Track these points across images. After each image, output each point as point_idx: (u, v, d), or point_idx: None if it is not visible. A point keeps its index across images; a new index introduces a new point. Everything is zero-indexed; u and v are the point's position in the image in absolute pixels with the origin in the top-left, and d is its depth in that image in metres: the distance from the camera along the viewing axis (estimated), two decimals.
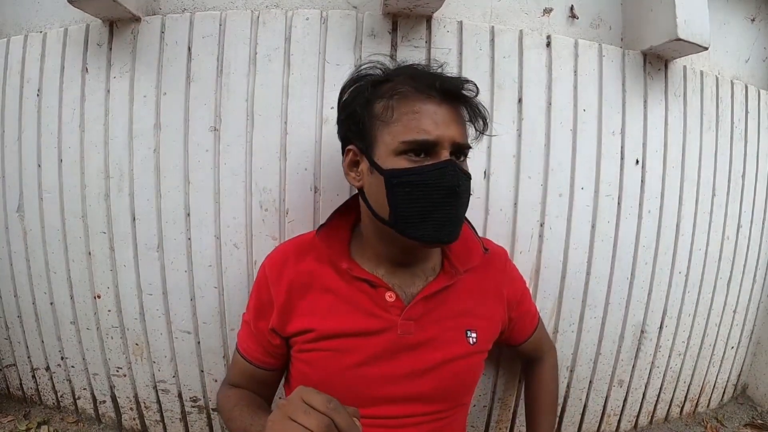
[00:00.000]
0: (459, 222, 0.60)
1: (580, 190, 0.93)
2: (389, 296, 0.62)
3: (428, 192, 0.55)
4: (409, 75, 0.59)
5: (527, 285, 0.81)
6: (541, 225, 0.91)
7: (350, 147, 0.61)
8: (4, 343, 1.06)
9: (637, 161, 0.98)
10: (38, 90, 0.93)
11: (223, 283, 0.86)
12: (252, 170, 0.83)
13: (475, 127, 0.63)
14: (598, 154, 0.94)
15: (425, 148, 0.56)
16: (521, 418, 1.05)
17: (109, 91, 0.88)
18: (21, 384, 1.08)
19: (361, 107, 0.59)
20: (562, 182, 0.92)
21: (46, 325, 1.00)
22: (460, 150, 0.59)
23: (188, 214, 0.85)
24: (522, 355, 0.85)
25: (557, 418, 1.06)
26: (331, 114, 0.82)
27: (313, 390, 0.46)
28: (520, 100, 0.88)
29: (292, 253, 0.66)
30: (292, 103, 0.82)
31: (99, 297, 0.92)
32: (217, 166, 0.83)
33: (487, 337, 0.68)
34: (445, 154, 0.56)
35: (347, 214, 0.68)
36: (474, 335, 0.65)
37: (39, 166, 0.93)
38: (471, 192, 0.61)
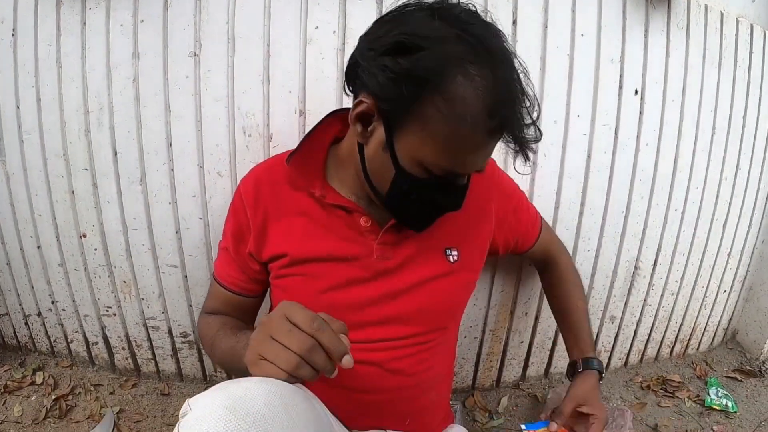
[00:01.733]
0: (435, 220, 0.58)
1: (576, 117, 0.89)
2: (364, 221, 0.59)
3: (425, 202, 0.53)
4: (482, 77, 0.43)
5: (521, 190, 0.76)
6: (535, 152, 0.88)
7: (366, 99, 0.48)
8: None
9: (636, 91, 0.94)
10: (13, 30, 0.88)
11: (207, 214, 0.83)
12: (234, 95, 0.78)
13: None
14: (595, 81, 0.89)
15: (451, 176, 0.51)
16: (512, 350, 1.04)
17: (85, 23, 0.83)
18: (15, 333, 1.07)
19: (410, 78, 0.44)
20: (558, 109, 0.88)
21: (34, 270, 0.97)
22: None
23: (170, 144, 0.81)
24: (534, 261, 0.83)
25: (548, 353, 1.06)
26: (315, 34, 0.77)
27: (297, 305, 0.43)
28: (514, 22, 0.83)
29: (265, 176, 0.62)
30: (275, 24, 0.77)
31: (85, 236, 0.90)
32: (198, 93, 0.79)
33: (472, 255, 0.64)
34: (462, 180, 0.54)
35: (323, 132, 0.62)
36: (455, 253, 0.62)
37: (17, 107, 0.89)
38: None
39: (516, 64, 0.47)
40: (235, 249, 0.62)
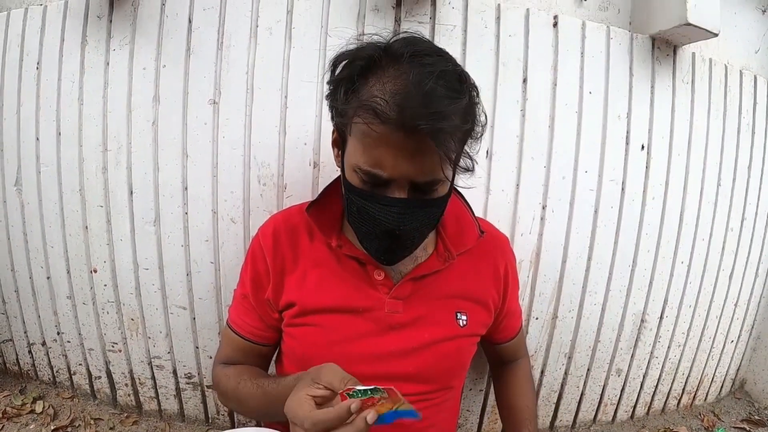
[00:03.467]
0: (402, 253, 0.56)
1: (583, 173, 0.90)
2: (378, 274, 0.59)
3: (371, 222, 0.52)
4: (391, 77, 0.47)
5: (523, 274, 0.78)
6: (543, 208, 0.88)
7: (334, 127, 0.56)
8: (1, 318, 1.04)
9: (643, 146, 0.95)
10: (38, 63, 0.90)
11: (219, 259, 0.83)
12: (251, 144, 0.80)
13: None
14: (603, 137, 0.91)
15: (378, 183, 0.49)
16: None
17: (108, 63, 0.85)
18: (17, 359, 1.06)
19: (342, 95, 0.50)
20: (566, 165, 0.89)
21: (42, 299, 0.98)
22: (426, 186, 0.50)
23: (185, 188, 0.82)
24: (499, 356, 0.77)
25: (554, 407, 1.04)
26: None
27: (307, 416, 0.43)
28: (525, 80, 0.85)
29: (283, 225, 0.63)
30: (293, 77, 0.79)
31: (95, 271, 0.90)
32: (215, 140, 0.81)
33: (479, 320, 0.64)
34: (399, 192, 0.49)
35: (340, 187, 0.64)
36: (464, 317, 0.62)
37: (37, 139, 0.91)
38: (441, 212, 0.55)
39: (446, 71, 0.47)
40: (255, 296, 0.62)
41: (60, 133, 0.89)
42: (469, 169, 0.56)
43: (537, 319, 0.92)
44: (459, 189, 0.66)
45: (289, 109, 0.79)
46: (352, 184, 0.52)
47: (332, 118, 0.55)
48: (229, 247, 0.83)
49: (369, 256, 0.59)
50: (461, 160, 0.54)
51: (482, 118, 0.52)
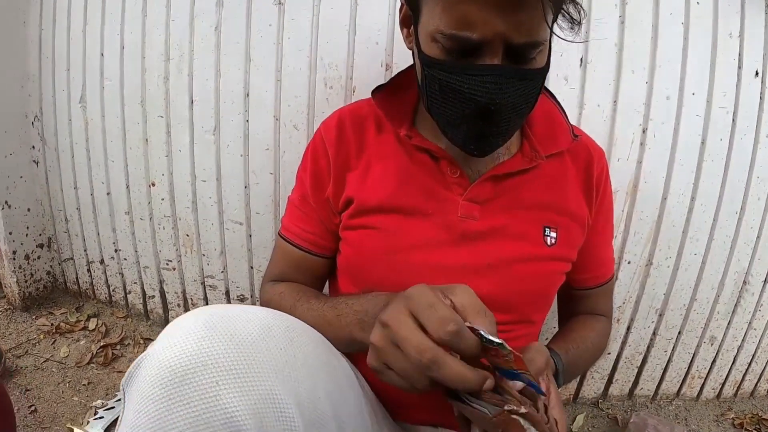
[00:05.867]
0: (495, 140, 0.44)
1: (690, 95, 0.75)
2: (452, 171, 0.48)
3: (458, 100, 0.41)
4: None
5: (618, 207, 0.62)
6: (644, 131, 0.74)
7: (403, 2, 0.46)
8: (63, 237, 1.03)
9: (757, 73, 0.78)
10: None
11: (279, 169, 0.76)
12: (318, 45, 0.72)
13: (563, 15, 0.42)
14: (712, 56, 0.75)
15: (465, 49, 0.39)
16: (597, 363, 0.86)
17: None
18: (77, 278, 1.06)
19: None
20: (671, 83, 0.74)
21: (102, 216, 0.96)
22: (523, 50, 0.40)
23: (247, 94, 0.76)
24: (575, 308, 0.60)
25: (636, 371, 0.89)
26: None
27: (425, 292, 0.31)
28: None
29: (349, 116, 0.53)
30: None
31: (153, 185, 0.86)
32: (280, 42, 0.73)
33: (571, 240, 0.51)
34: (491, 57, 0.39)
35: (413, 76, 0.52)
36: (554, 235, 0.49)
37: (102, 54, 0.88)
38: (538, 91, 0.43)
39: None
40: (315, 195, 0.52)
41: (123, 47, 0.85)
42: (576, 21, 0.42)
43: (629, 263, 0.78)
44: (552, 92, 0.54)
45: (360, 6, 0.70)
46: (433, 57, 0.41)
47: None
48: (291, 156, 0.75)
49: (443, 150, 0.48)
50: (566, 7, 0.41)
51: None
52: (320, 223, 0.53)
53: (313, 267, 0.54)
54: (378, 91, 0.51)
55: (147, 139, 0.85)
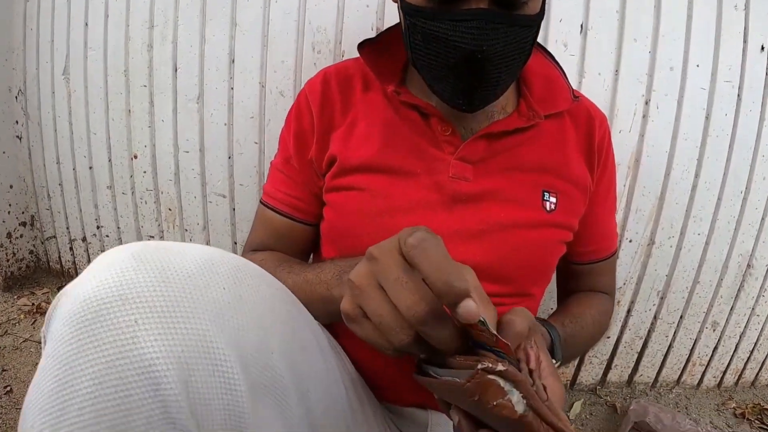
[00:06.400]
0: (485, 93, 0.40)
1: (694, 67, 0.71)
2: (443, 128, 0.44)
3: (442, 49, 0.38)
4: None
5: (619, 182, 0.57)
6: (647, 103, 0.71)
7: None
8: (46, 214, 1.00)
9: (762, 47, 0.74)
10: None
11: (264, 138, 0.73)
12: (306, 8, 0.68)
13: None
14: (717, 27, 0.71)
15: None
16: (595, 347, 0.83)
17: None
18: (59, 257, 1.02)
19: None
20: (675, 53, 0.70)
21: (84, 191, 0.92)
22: None
23: (233, 61, 0.72)
24: (575, 284, 0.56)
25: (636, 356, 0.85)
26: None
27: (425, 233, 0.24)
28: None
29: (335, 74, 0.49)
30: None
31: (136, 157, 0.83)
32: (267, 6, 0.70)
33: (571, 207, 0.47)
34: (477, 1, 0.36)
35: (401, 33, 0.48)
36: (553, 200, 0.46)
37: (86, 24, 0.85)
38: (531, 41, 0.40)
39: None
40: (298, 156, 0.48)
41: (108, 15, 0.82)
42: None
43: (631, 242, 0.75)
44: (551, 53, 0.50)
45: None
46: (414, 4, 0.38)
47: None
48: (276, 124, 0.71)
49: (433, 106, 0.45)
50: None
51: None
52: (304, 187, 0.49)
53: (296, 235, 0.50)
54: (364, 46, 0.48)
55: (130, 110, 0.81)
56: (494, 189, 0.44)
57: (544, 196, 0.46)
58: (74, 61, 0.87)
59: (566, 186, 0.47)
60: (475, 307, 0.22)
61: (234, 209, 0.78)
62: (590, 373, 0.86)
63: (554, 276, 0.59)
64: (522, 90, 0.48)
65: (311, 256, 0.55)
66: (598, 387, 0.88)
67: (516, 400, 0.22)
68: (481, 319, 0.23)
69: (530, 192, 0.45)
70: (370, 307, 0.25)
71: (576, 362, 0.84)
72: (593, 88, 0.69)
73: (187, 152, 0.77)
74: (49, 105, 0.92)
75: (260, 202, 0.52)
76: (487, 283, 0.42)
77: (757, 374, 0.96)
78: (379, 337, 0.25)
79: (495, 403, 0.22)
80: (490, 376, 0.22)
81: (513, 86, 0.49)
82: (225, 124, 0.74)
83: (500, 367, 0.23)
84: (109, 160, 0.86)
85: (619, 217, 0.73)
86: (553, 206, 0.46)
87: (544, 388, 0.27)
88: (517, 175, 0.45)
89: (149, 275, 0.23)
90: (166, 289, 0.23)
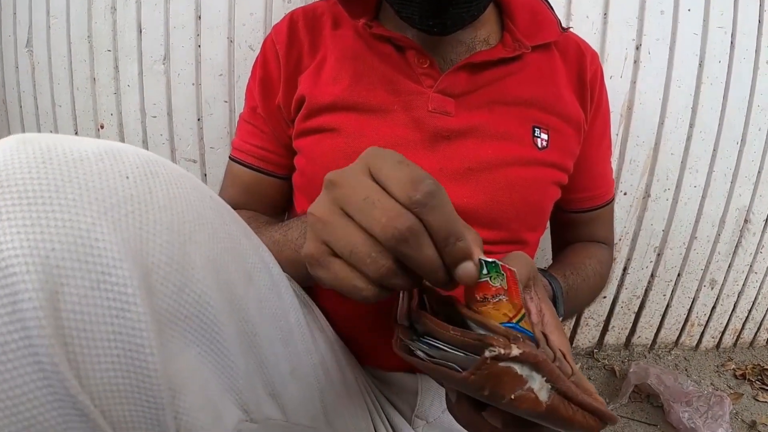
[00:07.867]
0: (457, 10, 0.36)
1: (686, 11, 0.67)
2: (421, 61, 0.40)
3: None
4: None
5: (612, 131, 0.52)
6: (638, 48, 0.66)
7: None
8: None
9: None
10: None
11: (234, 96, 0.67)
12: None
13: None
14: None
15: None
16: (591, 307, 0.79)
17: None
18: None
19: None
20: None
21: None
22: None
23: (199, 17, 0.66)
24: (571, 234, 0.51)
25: (634, 317, 0.81)
26: None
27: (389, 153, 0.21)
28: None
29: (302, 15, 0.45)
30: None
31: (102, 127, 0.76)
32: None
33: (564, 145, 0.42)
34: None
35: None
36: (545, 137, 0.41)
37: None
38: None
39: None
40: (264, 103, 0.44)
41: None
42: None
43: (625, 194, 0.71)
44: None
45: None
46: None
47: None
48: (246, 80, 0.66)
49: (409, 39, 0.40)
50: None
51: None
52: (272, 137, 0.45)
53: (267, 190, 0.46)
54: None
55: (95, 78, 0.75)
56: (479, 124, 0.40)
57: (534, 131, 0.41)
58: (37, 32, 0.80)
59: (558, 122, 0.42)
60: (474, 269, 0.20)
61: (205, 174, 0.72)
62: (587, 335, 0.82)
63: (547, 230, 0.54)
64: (506, 23, 0.44)
65: (286, 216, 0.50)
66: (595, 350, 0.84)
67: (538, 387, 0.17)
68: (490, 260, 0.20)
69: (519, 127, 0.41)
70: (338, 237, 0.20)
71: (572, 324, 0.80)
72: (581, 32, 0.63)
73: (155, 117, 0.71)
74: (14, 80, 0.85)
75: (229, 158, 0.47)
76: (478, 228, 0.35)
77: (755, 335, 0.93)
78: (352, 275, 0.20)
79: (513, 397, 0.17)
80: (503, 364, 0.17)
81: (496, 19, 0.44)
82: (192, 84, 0.68)
83: (515, 350, 0.17)
84: (76, 132, 0.80)
85: (613, 167, 0.69)
86: (545, 143, 0.41)
87: (564, 355, 0.22)
88: (504, 108, 0.41)
89: (29, 156, 0.17)
90: (45, 171, 0.17)
